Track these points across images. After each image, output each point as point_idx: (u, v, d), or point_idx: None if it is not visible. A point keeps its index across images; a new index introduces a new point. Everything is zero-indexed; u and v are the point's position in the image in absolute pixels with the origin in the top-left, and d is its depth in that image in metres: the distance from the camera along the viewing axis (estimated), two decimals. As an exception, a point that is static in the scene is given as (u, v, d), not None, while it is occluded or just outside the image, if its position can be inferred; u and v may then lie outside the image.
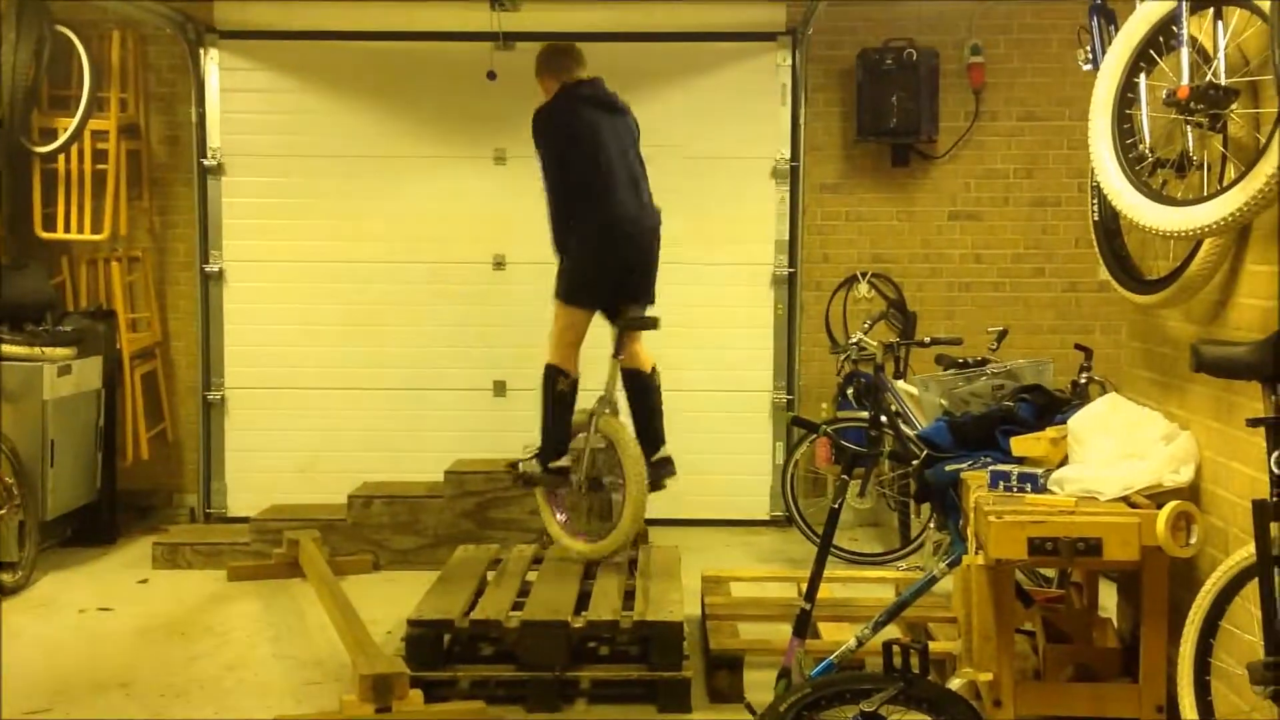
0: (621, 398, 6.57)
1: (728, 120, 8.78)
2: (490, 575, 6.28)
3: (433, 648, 5.44)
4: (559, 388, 6.33)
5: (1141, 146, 4.32)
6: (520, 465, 6.56)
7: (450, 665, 5.49)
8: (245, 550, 7.64)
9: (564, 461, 6.43)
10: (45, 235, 8.57)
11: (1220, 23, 4.02)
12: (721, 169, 8.77)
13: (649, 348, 6.64)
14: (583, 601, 5.79)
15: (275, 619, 6.68)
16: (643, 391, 6.53)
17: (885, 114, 8.59)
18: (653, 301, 6.49)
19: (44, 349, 7.65)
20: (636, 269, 6.37)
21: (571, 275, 6.33)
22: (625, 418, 6.58)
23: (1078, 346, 7.41)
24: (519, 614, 5.54)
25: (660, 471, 6.44)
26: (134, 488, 8.77)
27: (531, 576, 6.23)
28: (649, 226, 6.39)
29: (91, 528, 8.15)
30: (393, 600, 6.66)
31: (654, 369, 6.58)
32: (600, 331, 6.56)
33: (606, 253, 6.26)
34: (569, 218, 6.31)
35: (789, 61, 8.73)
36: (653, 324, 6.45)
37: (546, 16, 8.48)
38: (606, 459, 6.54)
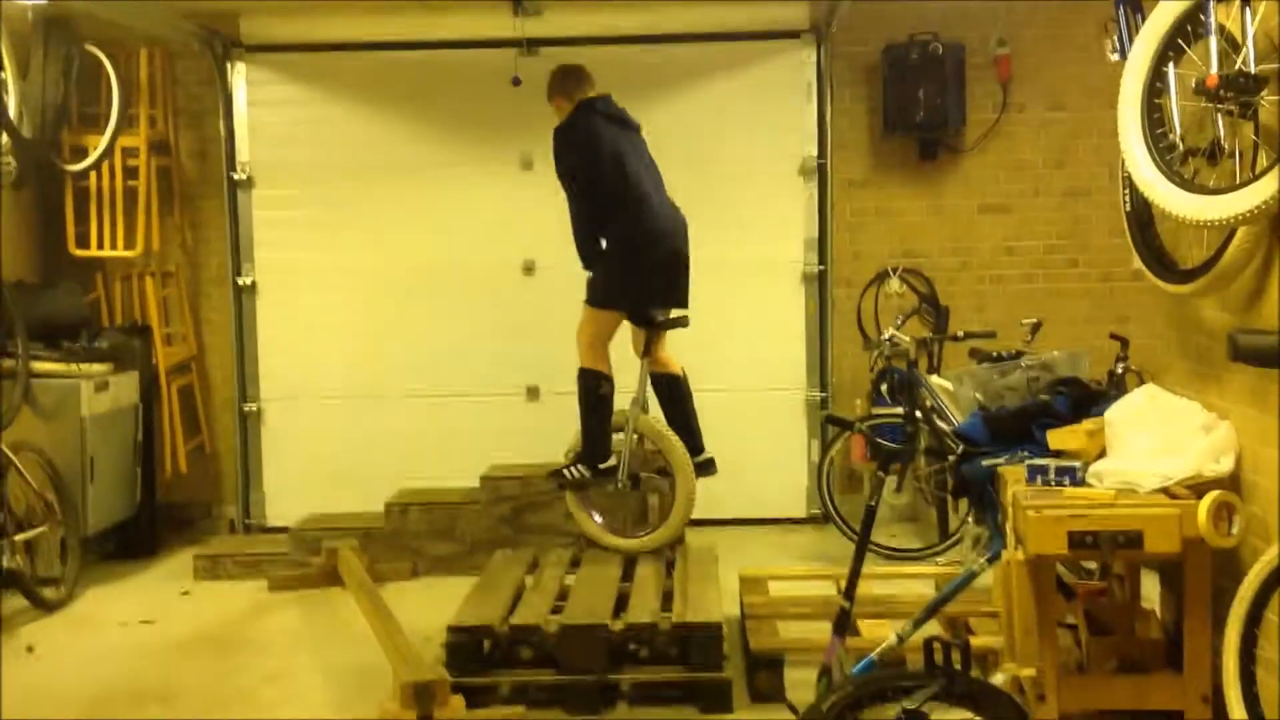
0: (652, 401, 6.79)
1: (754, 119, 8.77)
2: (528, 580, 6.30)
3: (473, 653, 5.46)
4: (601, 390, 6.53)
5: (1172, 136, 4.28)
6: (565, 472, 6.70)
7: (491, 671, 5.50)
8: (285, 560, 7.70)
9: (611, 461, 6.62)
10: (78, 253, 8.66)
11: (1248, 9, 3.98)
12: (749, 167, 8.76)
13: (676, 350, 6.85)
14: (621, 604, 5.80)
15: (316, 628, 6.72)
16: (678, 395, 6.74)
17: (912, 108, 8.55)
18: (686, 305, 6.67)
19: (80, 366, 7.72)
20: (671, 272, 6.54)
21: (607, 280, 6.50)
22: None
23: (1113, 336, 7.37)
24: (558, 618, 5.56)
25: (703, 471, 6.69)
26: (174, 501, 8.84)
27: (569, 580, 6.25)
28: (680, 230, 6.56)
29: (132, 542, 8.23)
30: (432, 607, 6.68)
31: (683, 372, 6.75)
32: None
33: (643, 258, 6.44)
34: (598, 228, 6.47)
35: (814, 59, 8.71)
36: (684, 323, 6.66)
37: (570, 21, 8.51)
38: (642, 457, 6.79)
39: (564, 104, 6.69)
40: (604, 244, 6.56)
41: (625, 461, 6.65)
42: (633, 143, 6.63)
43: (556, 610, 5.72)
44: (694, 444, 6.72)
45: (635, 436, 6.71)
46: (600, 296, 6.55)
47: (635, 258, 6.46)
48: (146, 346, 8.48)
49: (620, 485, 6.67)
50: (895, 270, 8.79)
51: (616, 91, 8.15)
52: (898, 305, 8.63)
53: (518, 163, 8.74)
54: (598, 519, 6.85)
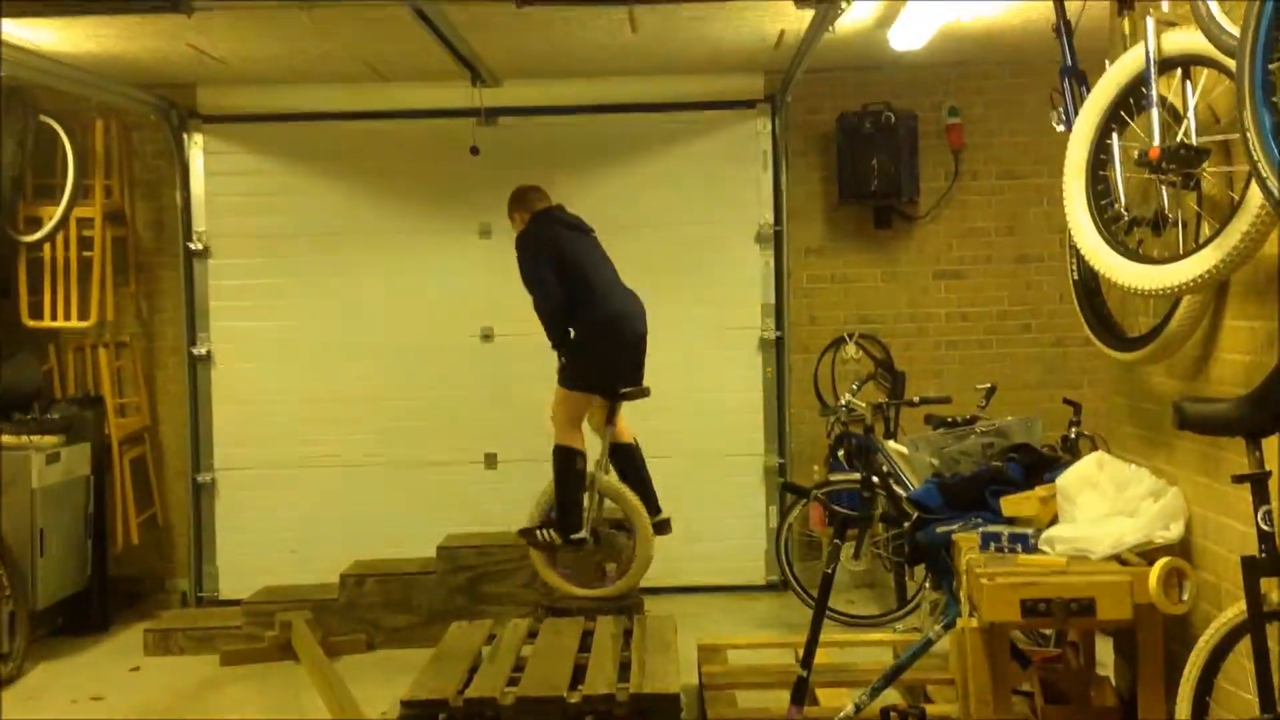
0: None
1: (711, 187, 8.84)
2: (485, 651, 6.23)
3: (428, 728, 5.38)
4: (576, 465, 7.02)
5: (1117, 206, 4.36)
6: (537, 533, 7.08)
7: (446, 745, 5.43)
8: (237, 634, 7.57)
9: (583, 534, 7.06)
10: (32, 323, 8.57)
11: (1189, 82, 4.07)
12: (706, 235, 8.82)
13: (636, 416, 7.24)
14: (578, 675, 5.73)
15: (269, 704, 6.61)
16: (634, 462, 7.21)
17: (866, 177, 8.64)
18: (641, 382, 7.10)
19: (32, 437, 7.63)
20: (634, 354, 7.07)
21: (577, 366, 7.00)
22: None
23: (1066, 401, 7.42)
24: (514, 690, 5.49)
25: (660, 530, 7.16)
26: (125, 574, 8.69)
27: (527, 651, 6.19)
28: (640, 316, 7.07)
29: (83, 616, 8.08)
30: (387, 680, 6.61)
31: (635, 441, 7.25)
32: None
33: (611, 344, 6.97)
34: (567, 320, 6.96)
35: (769, 128, 8.81)
36: (647, 393, 7.12)
37: (528, 91, 8.59)
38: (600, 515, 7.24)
39: (523, 215, 7.17)
40: (573, 333, 7.00)
41: (588, 519, 7.10)
42: (589, 243, 7.15)
43: (513, 682, 5.65)
44: (652, 505, 7.18)
45: (598, 496, 7.14)
46: (573, 380, 7.01)
47: (603, 344, 7.00)
48: (99, 417, 8.38)
49: (584, 541, 7.11)
50: (851, 336, 8.83)
51: (575, 161, 8.29)
52: (854, 371, 8.65)
53: (476, 231, 8.76)
54: (560, 571, 7.26)
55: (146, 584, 8.91)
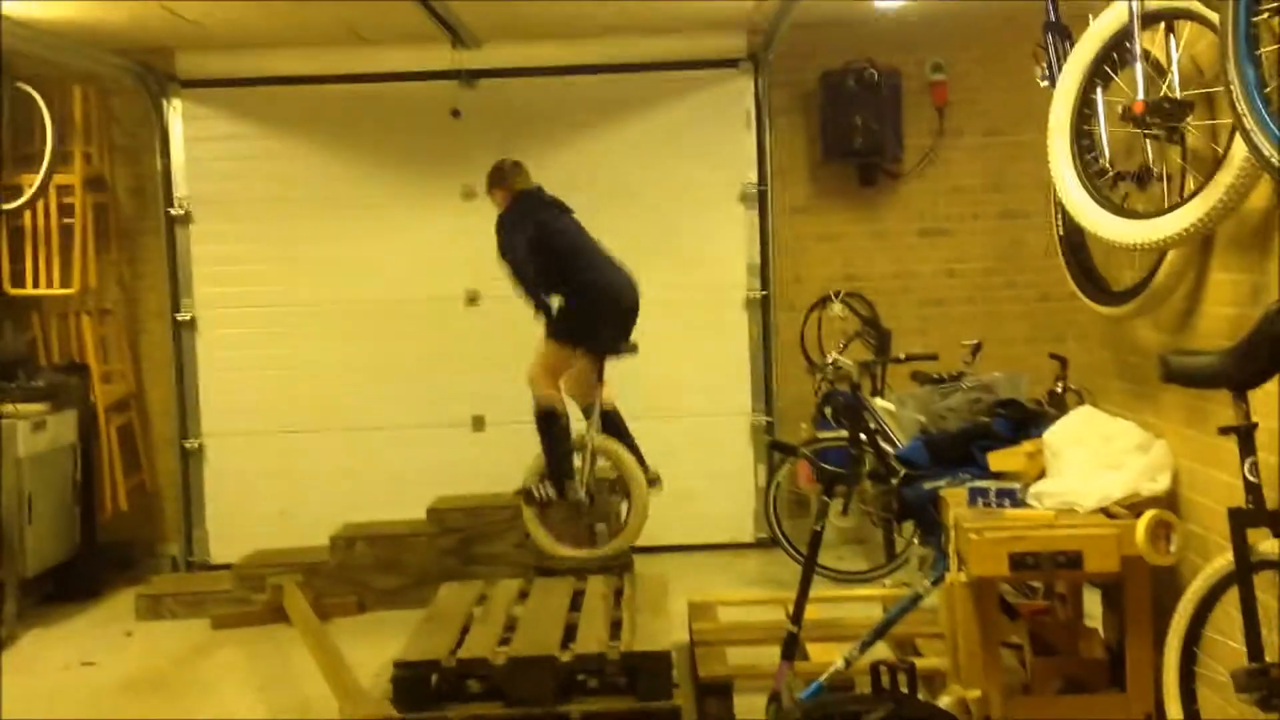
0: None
1: (694, 147, 8.82)
2: (476, 612, 6.26)
3: (420, 688, 5.41)
4: (560, 421, 7.13)
5: (1101, 161, 4.36)
6: (534, 490, 7.17)
7: (439, 705, 5.45)
8: (228, 598, 7.60)
9: (577, 485, 7.20)
10: (14, 291, 8.53)
11: (1172, 36, 4.07)
12: (690, 196, 8.81)
13: (619, 380, 7.36)
14: (570, 634, 5.78)
15: (261, 667, 6.64)
16: (617, 426, 7.28)
17: (850, 135, 8.62)
18: (629, 340, 7.16)
19: (16, 405, 7.60)
20: (627, 321, 7.14)
21: (570, 322, 7.06)
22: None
23: (1053, 356, 7.45)
24: (506, 649, 5.53)
25: (652, 485, 7.28)
26: (114, 540, 8.67)
27: (518, 611, 6.22)
28: (633, 286, 7.16)
29: (73, 583, 8.09)
30: (379, 642, 6.63)
31: (615, 406, 7.35)
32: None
33: (602, 306, 7.07)
34: (552, 288, 7.04)
35: (752, 87, 8.79)
36: (633, 349, 7.21)
37: (508, 53, 8.54)
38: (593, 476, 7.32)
39: (504, 193, 7.25)
40: (562, 299, 7.05)
41: (582, 479, 7.19)
42: (574, 222, 7.24)
43: (505, 642, 5.69)
44: (640, 463, 7.28)
45: (590, 457, 7.19)
46: (564, 334, 7.05)
47: (597, 304, 7.09)
48: (84, 385, 8.37)
49: (580, 501, 7.18)
50: (837, 294, 8.81)
51: (557, 122, 8.26)
52: (840, 329, 8.66)
53: (459, 193, 8.71)
54: (552, 534, 7.27)
55: (136, 550, 8.92)
